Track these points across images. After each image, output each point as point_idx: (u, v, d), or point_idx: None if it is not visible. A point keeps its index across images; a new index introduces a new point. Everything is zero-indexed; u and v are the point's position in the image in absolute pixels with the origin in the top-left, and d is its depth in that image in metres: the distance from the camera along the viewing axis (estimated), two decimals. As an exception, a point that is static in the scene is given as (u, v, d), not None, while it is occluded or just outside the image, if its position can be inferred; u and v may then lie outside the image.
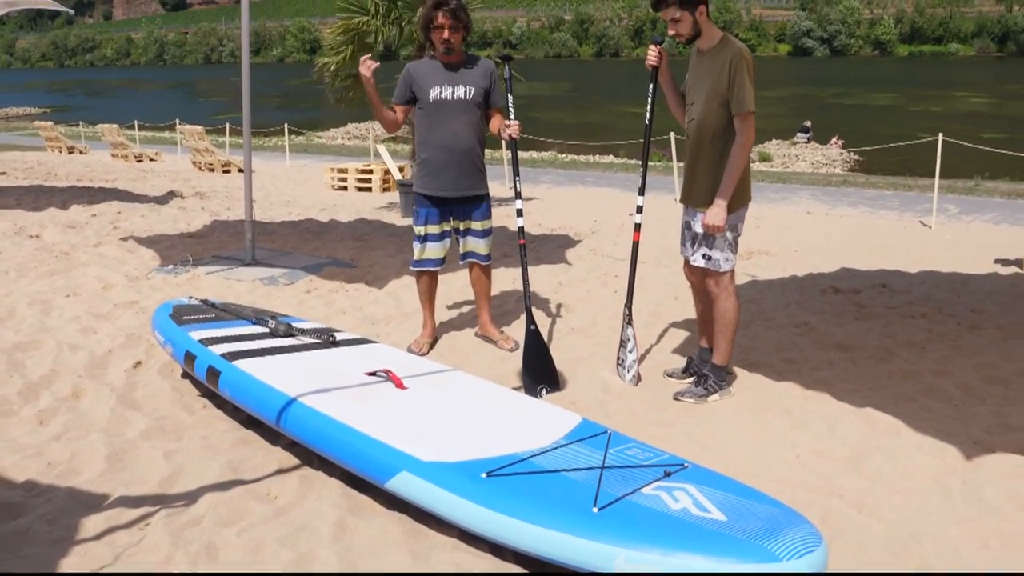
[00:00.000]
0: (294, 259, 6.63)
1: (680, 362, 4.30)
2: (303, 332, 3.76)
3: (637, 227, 4.19)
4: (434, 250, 4.50)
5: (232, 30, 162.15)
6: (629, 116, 38.61)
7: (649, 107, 4.05)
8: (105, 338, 4.60)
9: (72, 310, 5.12)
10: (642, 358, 4.22)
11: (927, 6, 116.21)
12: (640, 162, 4.23)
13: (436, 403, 3.08)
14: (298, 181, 16.23)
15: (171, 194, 12.34)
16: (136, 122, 27.27)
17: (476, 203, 4.52)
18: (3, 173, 15.35)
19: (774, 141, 27.20)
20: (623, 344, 4.14)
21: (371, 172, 14.37)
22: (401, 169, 13.38)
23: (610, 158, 22.58)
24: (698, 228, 3.77)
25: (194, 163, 18.88)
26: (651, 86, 4.00)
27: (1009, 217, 10.20)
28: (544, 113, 43.98)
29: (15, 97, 70.64)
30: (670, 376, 4.10)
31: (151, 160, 21.26)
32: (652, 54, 3.93)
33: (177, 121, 22.74)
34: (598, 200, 12.50)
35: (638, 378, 4.07)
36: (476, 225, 4.54)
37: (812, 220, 9.71)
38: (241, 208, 10.97)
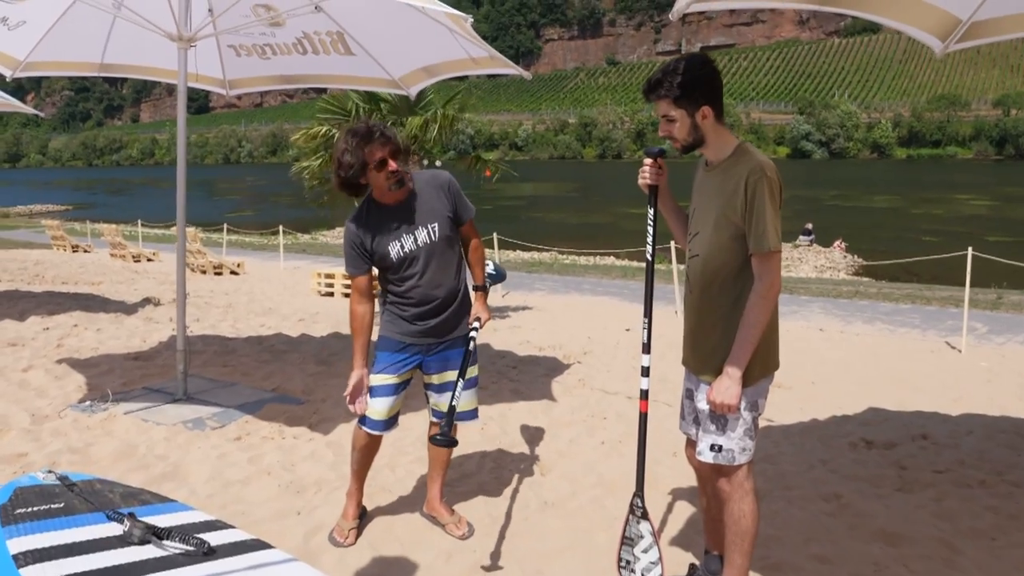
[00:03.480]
0: (233, 393, 5.63)
1: (679, 566, 3.23)
2: (168, 535, 2.73)
3: (644, 394, 3.02)
4: (383, 407, 3.37)
5: (251, 131, 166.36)
6: (630, 217, 38.17)
7: (650, 237, 2.99)
8: (-43, 513, 3.57)
9: (-59, 467, 4.12)
10: (635, 559, 3.13)
11: (924, 110, 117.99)
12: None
13: None
14: (287, 285, 15.42)
15: (146, 301, 11.48)
16: (140, 220, 26.77)
17: (461, 345, 3.48)
18: (-11, 275, 14.61)
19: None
20: (629, 542, 3.08)
21: (359, 278, 13.52)
22: (390, 275, 12.55)
23: (610, 260, 21.82)
24: (703, 404, 2.75)
25: (187, 264, 18.17)
26: (650, 211, 2.96)
27: (1045, 339, 9.16)
28: (546, 213, 43.82)
29: (43, 195, 71.75)
30: None
31: (148, 260, 20.65)
32: (647, 170, 2.93)
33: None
34: (594, 311, 11.56)
35: None
36: (442, 374, 3.47)
37: (826, 340, 8.71)
38: (212, 318, 10.10)
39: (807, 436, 5.06)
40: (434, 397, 3.53)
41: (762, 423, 5.32)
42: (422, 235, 3.30)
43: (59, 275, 15.47)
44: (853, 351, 8.27)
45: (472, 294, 3.52)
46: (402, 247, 3.29)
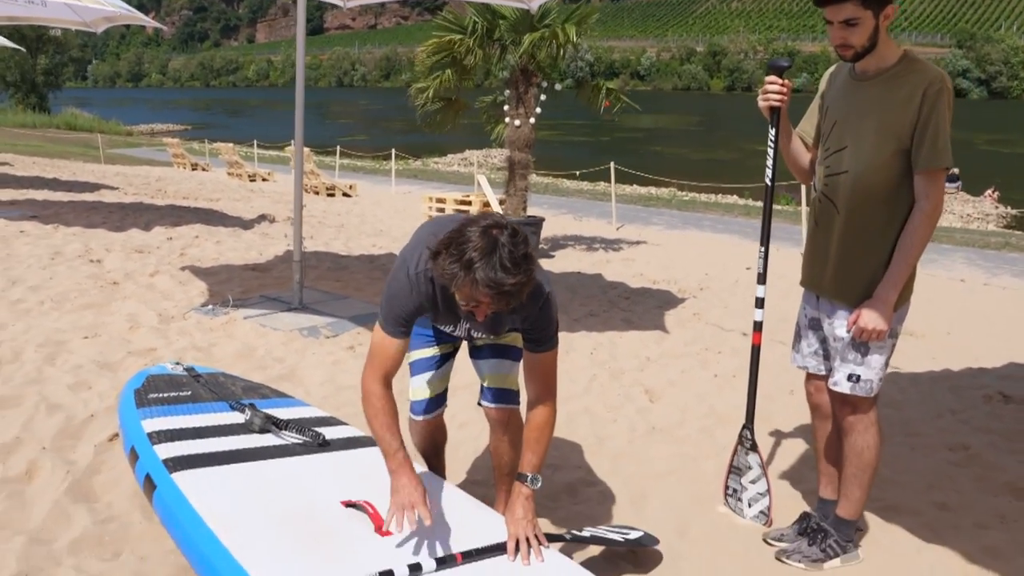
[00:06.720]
0: (347, 305, 5.91)
1: (788, 499, 3.26)
2: (286, 427, 2.96)
3: (757, 326, 3.05)
4: (423, 384, 2.79)
5: (365, 54, 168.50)
6: (758, 154, 36.77)
7: (771, 160, 2.92)
8: (95, 398, 3.96)
9: (80, 356, 4.53)
10: (742, 489, 3.18)
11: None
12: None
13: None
14: (398, 208, 15.81)
15: (262, 217, 12.05)
16: (255, 141, 27.80)
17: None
18: (116, 188, 15.59)
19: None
20: (736, 471, 3.14)
21: (469, 203, 13.71)
22: (501, 201, 12.66)
23: (733, 198, 21.23)
24: (842, 331, 2.68)
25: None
26: (772, 133, 2.87)
27: None
28: (667, 147, 42.84)
29: (163, 114, 75.35)
30: (776, 541, 2.96)
31: (263, 180, 21.48)
32: (773, 88, 2.81)
33: (291, 142, 22.93)
34: (713, 248, 11.38)
35: (769, 517, 3.06)
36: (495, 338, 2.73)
37: (967, 291, 8.32)
38: (326, 237, 10.53)
39: (937, 385, 4.92)
40: (486, 368, 2.78)
41: (889, 369, 5.19)
42: (481, 335, 2.65)
43: (179, 191, 16.36)
44: (996, 304, 7.88)
45: (515, 488, 2.49)
46: (454, 328, 2.62)
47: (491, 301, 2.13)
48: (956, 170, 26.41)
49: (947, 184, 25.35)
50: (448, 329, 2.63)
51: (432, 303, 2.43)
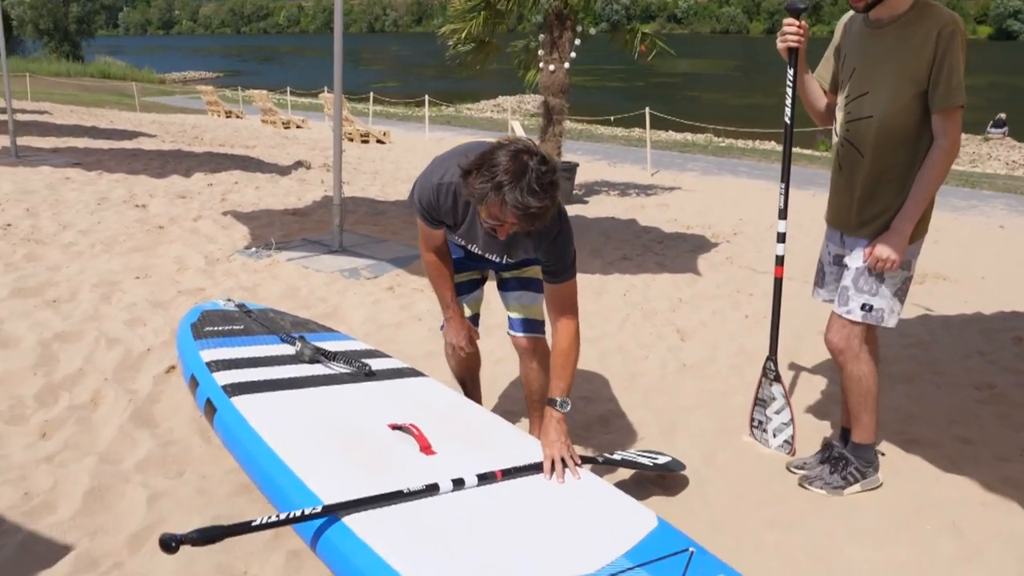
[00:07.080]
0: (385, 248, 6.09)
1: (812, 430, 3.40)
2: (334, 358, 3.15)
3: (779, 260, 3.23)
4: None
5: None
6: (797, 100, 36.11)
7: (789, 103, 3.08)
8: (150, 333, 4.20)
9: (133, 295, 4.77)
10: (767, 420, 3.32)
11: None
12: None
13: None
14: (432, 155, 15.72)
15: (299, 164, 12.23)
16: (289, 88, 27.91)
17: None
18: (154, 136, 15.85)
19: (962, 135, 24.51)
20: (762, 403, 3.30)
21: (504, 150, 13.80)
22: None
23: (771, 144, 20.99)
24: (858, 263, 2.82)
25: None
26: (791, 73, 3.02)
27: None
28: (704, 92, 42.20)
29: (196, 62, 75.37)
30: (799, 469, 3.11)
31: (297, 127, 21.66)
32: (791, 30, 2.95)
33: (325, 89, 23.02)
34: (748, 194, 11.38)
35: (793, 447, 3.22)
36: (519, 271, 2.96)
37: (1006, 238, 8.28)
38: (362, 183, 10.70)
39: (968, 327, 4.99)
40: (512, 299, 2.97)
41: (919, 311, 5.28)
42: (494, 256, 2.76)
43: (216, 138, 16.59)
44: (1035, 249, 7.86)
45: (546, 412, 2.62)
46: (468, 242, 2.76)
47: (517, 222, 2.27)
48: (1003, 115, 25.78)
49: (994, 130, 24.91)
50: (460, 242, 2.79)
51: (452, 214, 2.61)
